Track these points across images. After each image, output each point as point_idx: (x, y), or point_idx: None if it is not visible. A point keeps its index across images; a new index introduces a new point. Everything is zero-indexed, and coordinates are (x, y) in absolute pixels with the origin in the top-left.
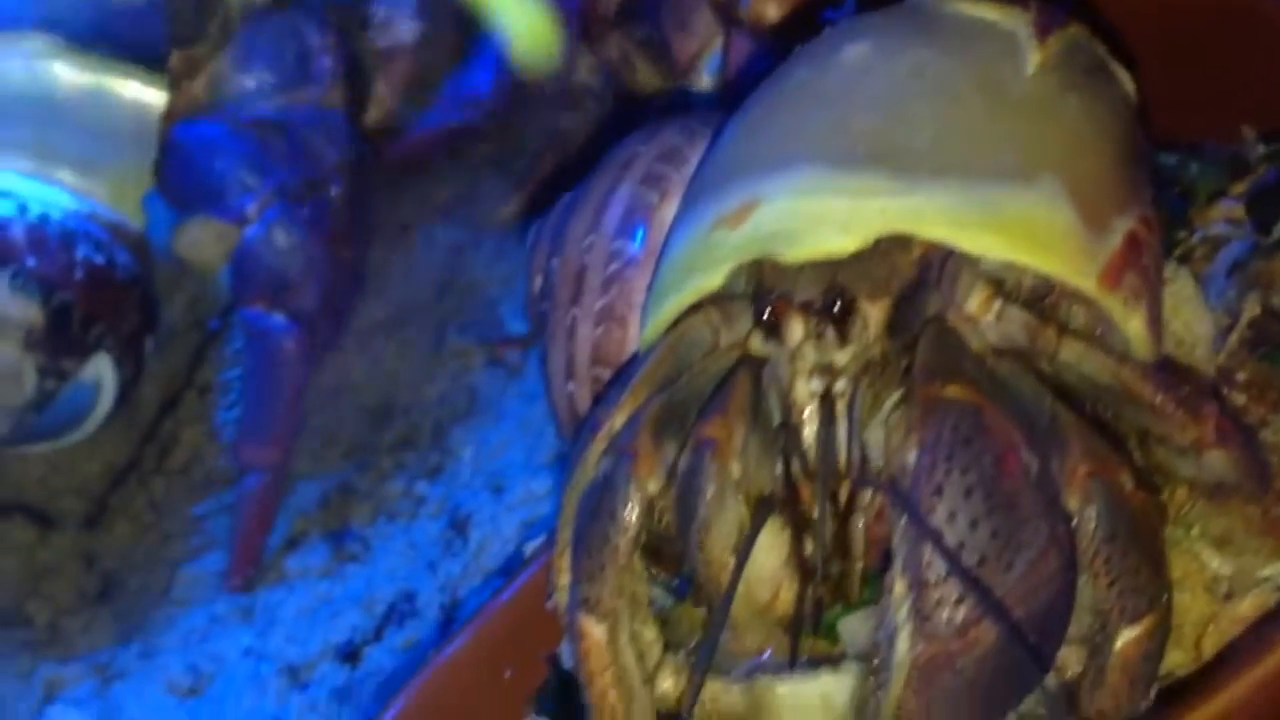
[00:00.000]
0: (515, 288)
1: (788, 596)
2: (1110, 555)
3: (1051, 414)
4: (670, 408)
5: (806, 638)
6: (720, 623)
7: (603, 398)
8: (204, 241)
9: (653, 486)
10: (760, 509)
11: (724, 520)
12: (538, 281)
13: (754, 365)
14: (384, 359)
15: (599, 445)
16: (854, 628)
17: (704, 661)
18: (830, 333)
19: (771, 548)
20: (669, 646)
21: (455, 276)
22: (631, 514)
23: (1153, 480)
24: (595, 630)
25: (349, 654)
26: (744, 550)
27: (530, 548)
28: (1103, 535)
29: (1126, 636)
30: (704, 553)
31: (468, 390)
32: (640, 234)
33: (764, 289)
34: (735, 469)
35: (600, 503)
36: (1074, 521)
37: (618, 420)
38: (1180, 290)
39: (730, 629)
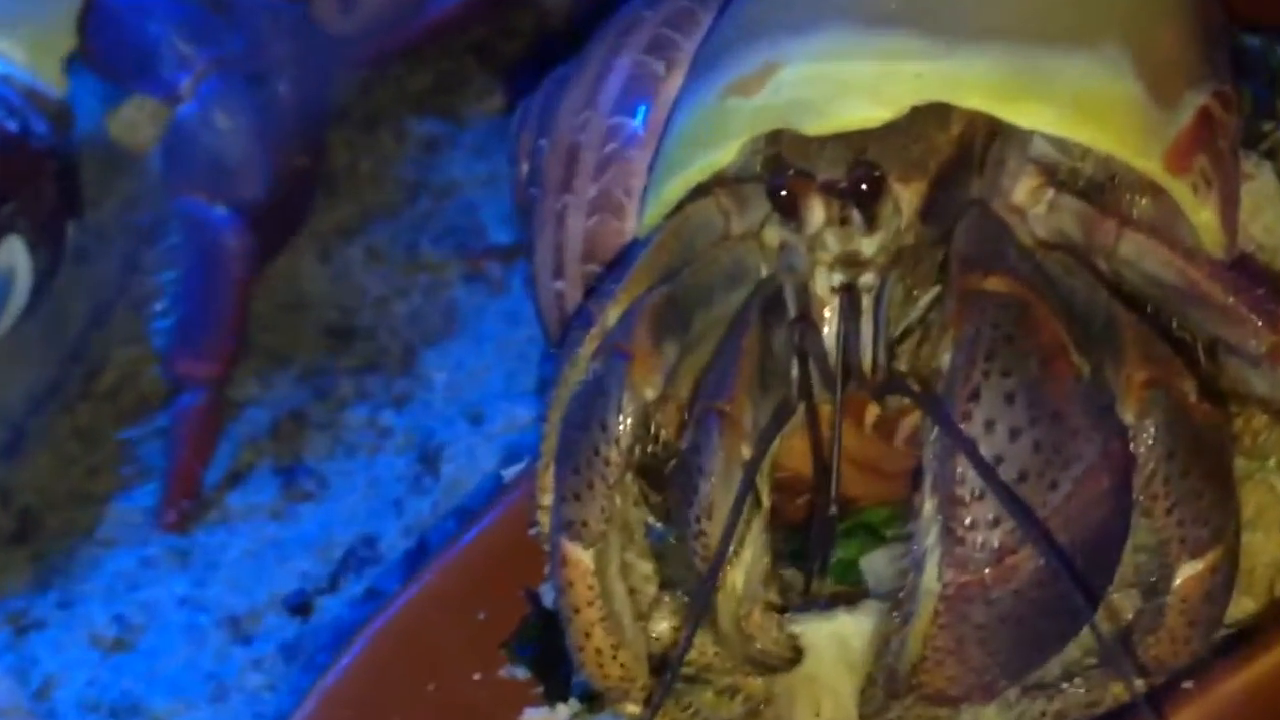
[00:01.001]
0: (499, 189)
1: (762, 621)
2: (1170, 476)
3: (1107, 314)
4: (673, 302)
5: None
6: (710, 597)
7: (596, 289)
8: (139, 124)
9: (650, 392)
10: (776, 417)
11: (724, 498)
12: (524, 166)
13: (771, 292)
14: (346, 270)
15: (590, 343)
16: (878, 566)
17: (690, 632)
18: (856, 217)
19: (760, 556)
20: (666, 584)
21: (430, 176)
22: (624, 423)
23: (1221, 395)
24: (580, 557)
25: (299, 605)
26: (738, 501)
27: (510, 473)
28: (1162, 452)
29: (1187, 572)
30: (700, 540)
31: (443, 307)
32: (643, 110)
33: (781, 166)
34: (745, 450)
35: (589, 409)
36: (1130, 436)
37: (612, 314)
38: (1262, 189)
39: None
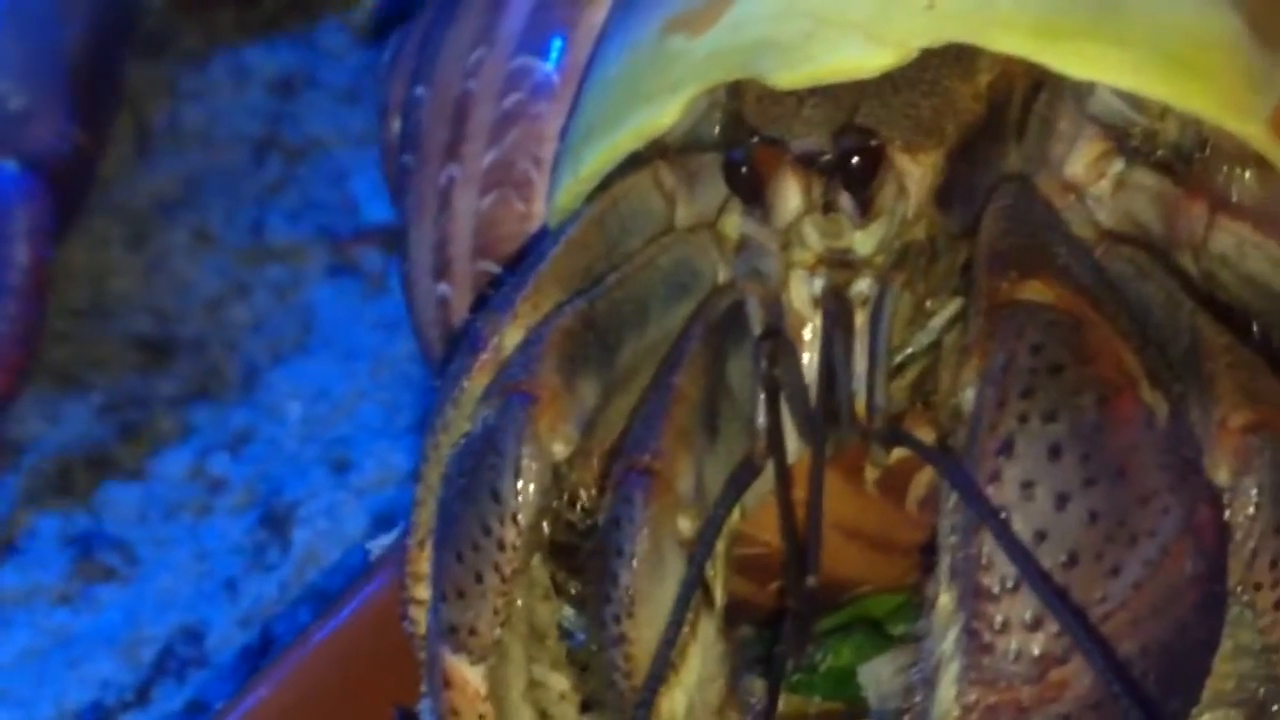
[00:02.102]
0: (376, 148)
1: None
2: (1279, 557)
3: (1194, 333)
4: (592, 323)
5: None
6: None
7: (490, 298)
8: None
9: (560, 448)
10: (735, 479)
11: (656, 591)
12: (395, 123)
13: (727, 305)
14: (165, 260)
15: (479, 375)
16: (882, 675)
17: None
18: (846, 202)
19: (713, 674)
20: (593, 703)
21: (281, 130)
22: (525, 492)
23: None
24: (468, 676)
25: None
26: (681, 601)
27: (380, 546)
28: (1270, 523)
29: None
30: (620, 650)
31: (299, 311)
32: (557, 47)
33: (742, 132)
34: (683, 523)
35: (477, 472)
36: (1225, 500)
37: (510, 336)
38: None
39: None
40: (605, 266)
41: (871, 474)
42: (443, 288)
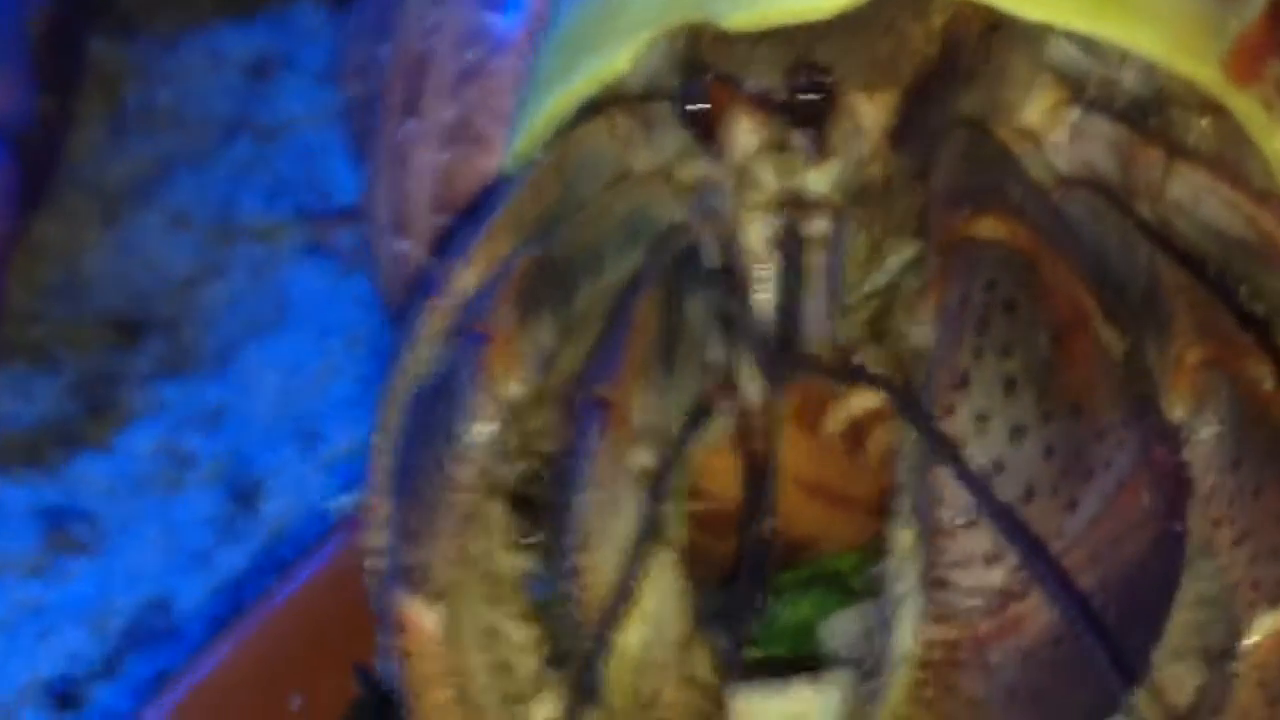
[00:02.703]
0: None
1: (678, 699)
2: (1237, 493)
3: (1150, 273)
4: (549, 266)
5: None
6: (597, 666)
7: (447, 245)
8: None
9: (515, 388)
10: (692, 417)
11: (612, 524)
12: (356, 84)
13: (683, 245)
14: (139, 239)
15: (436, 318)
16: (845, 628)
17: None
18: (800, 140)
19: (672, 612)
20: (557, 658)
21: (254, 112)
22: (479, 431)
23: None
24: (423, 618)
25: (65, 695)
26: (636, 547)
27: (342, 505)
28: (1225, 459)
29: (1265, 628)
30: (577, 581)
31: (272, 290)
32: (515, 2)
33: (696, 72)
34: (640, 454)
35: (433, 413)
36: (1181, 437)
37: (466, 279)
38: None
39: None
40: (562, 212)
41: (831, 424)
42: (403, 244)
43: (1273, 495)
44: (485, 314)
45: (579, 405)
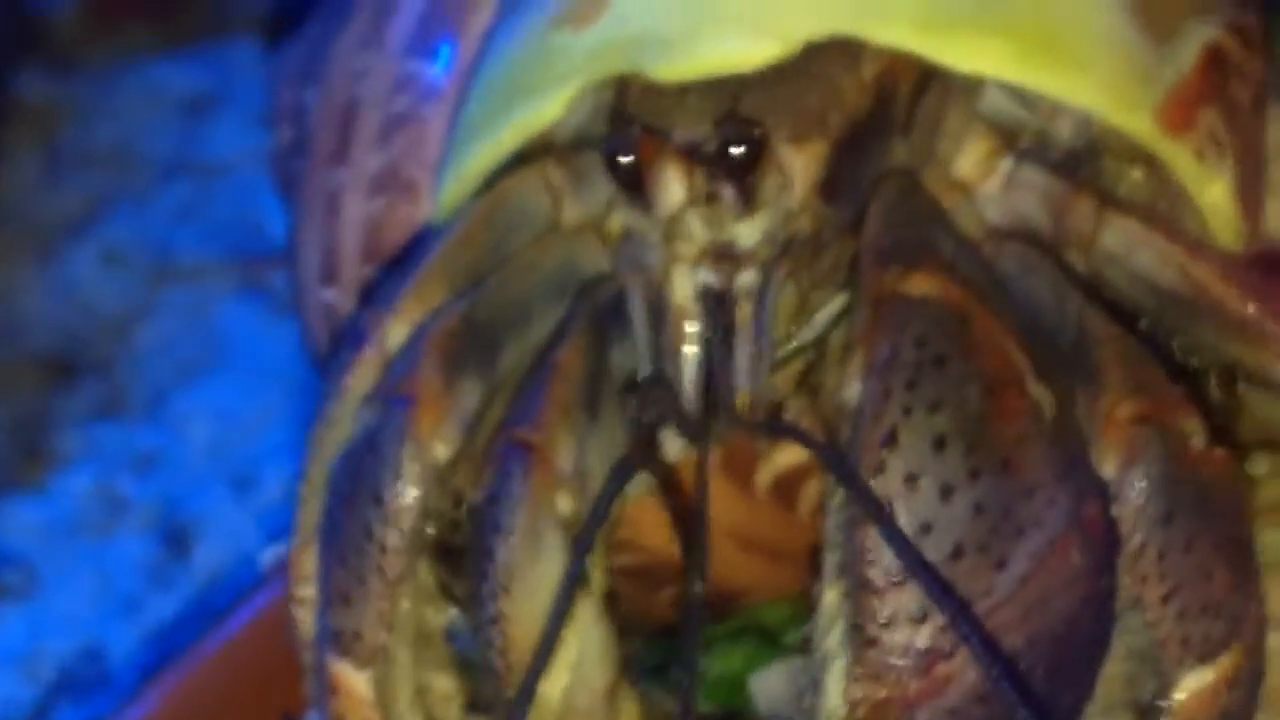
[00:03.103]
0: None
1: None
2: (1166, 550)
3: (1080, 326)
4: (473, 325)
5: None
6: (520, 715)
7: (374, 294)
8: None
9: (442, 449)
10: (617, 470)
11: (535, 570)
12: (286, 131)
13: (608, 295)
14: (73, 280)
15: (362, 371)
16: (772, 685)
17: None
18: (728, 193)
19: (597, 661)
20: (479, 706)
21: (190, 150)
22: (407, 496)
23: (1237, 440)
24: (354, 682)
25: None
26: (561, 599)
27: (272, 556)
28: (1155, 515)
29: (1192, 685)
30: (496, 628)
31: (207, 332)
32: (445, 52)
33: (624, 123)
34: (562, 501)
35: (359, 476)
36: (1112, 492)
37: (393, 333)
38: None
39: None
40: (490, 264)
41: (763, 481)
42: (330, 293)
43: (1202, 552)
44: (410, 375)
45: (501, 449)
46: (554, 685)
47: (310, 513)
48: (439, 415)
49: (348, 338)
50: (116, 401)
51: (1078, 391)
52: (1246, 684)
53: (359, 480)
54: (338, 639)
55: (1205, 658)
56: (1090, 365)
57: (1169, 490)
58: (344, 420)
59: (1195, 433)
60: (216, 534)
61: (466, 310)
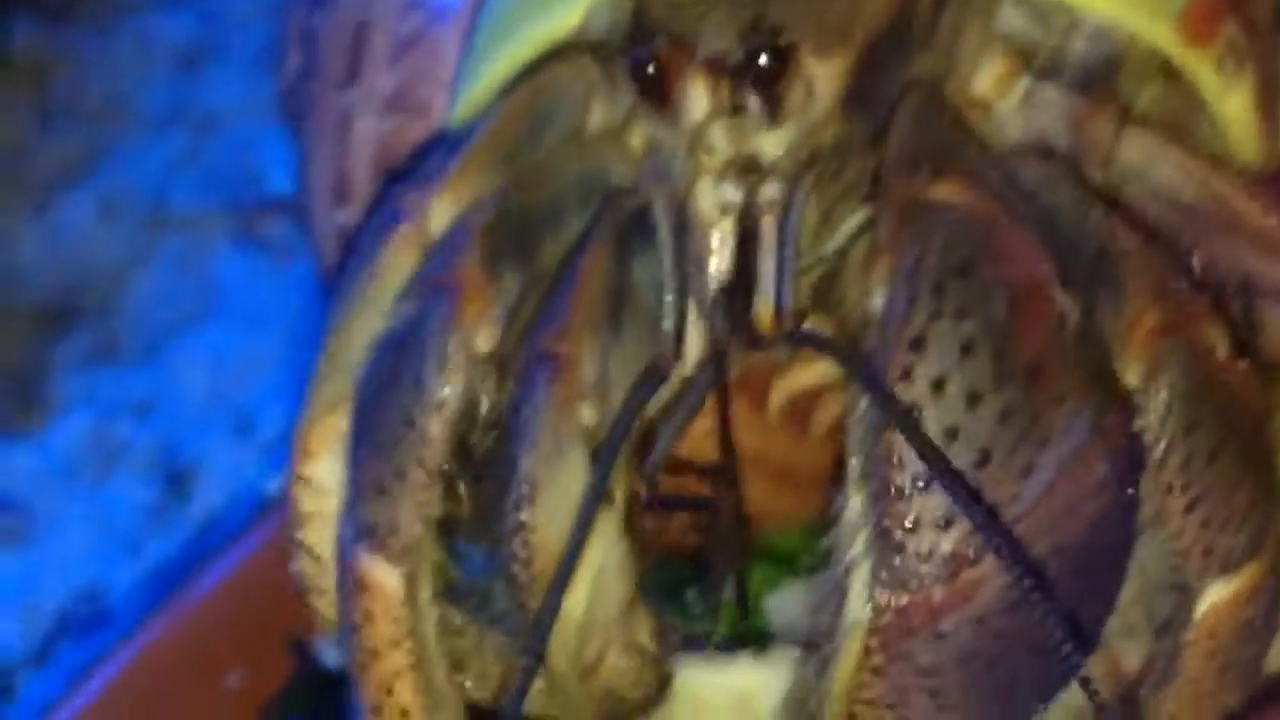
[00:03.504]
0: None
1: (620, 664)
2: (1190, 460)
3: (1103, 238)
4: (512, 219)
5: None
6: (544, 626)
7: (409, 172)
8: None
9: (484, 342)
10: (642, 382)
11: (558, 480)
12: (294, 56)
13: (633, 207)
14: (70, 229)
15: (404, 245)
16: (790, 606)
17: (519, 696)
18: (754, 104)
19: (616, 575)
20: (494, 620)
21: (185, 101)
22: (451, 384)
23: (1260, 353)
24: (386, 578)
25: None
26: (584, 512)
27: (276, 487)
28: (1179, 426)
29: (1215, 596)
30: (520, 538)
31: (202, 280)
32: None
33: (647, 33)
34: (586, 411)
35: (400, 365)
36: (1136, 404)
37: (437, 211)
38: None
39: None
40: (530, 154)
41: (776, 402)
42: (343, 213)
43: (1226, 462)
44: (454, 267)
45: (526, 359)
46: (575, 598)
47: (326, 387)
48: (483, 306)
49: (379, 217)
50: (113, 348)
51: (1101, 302)
52: (1268, 598)
53: (399, 370)
54: (372, 533)
55: (1227, 569)
56: (1114, 276)
57: (1193, 399)
58: (376, 293)
59: (1219, 343)
60: (215, 476)
61: (504, 204)
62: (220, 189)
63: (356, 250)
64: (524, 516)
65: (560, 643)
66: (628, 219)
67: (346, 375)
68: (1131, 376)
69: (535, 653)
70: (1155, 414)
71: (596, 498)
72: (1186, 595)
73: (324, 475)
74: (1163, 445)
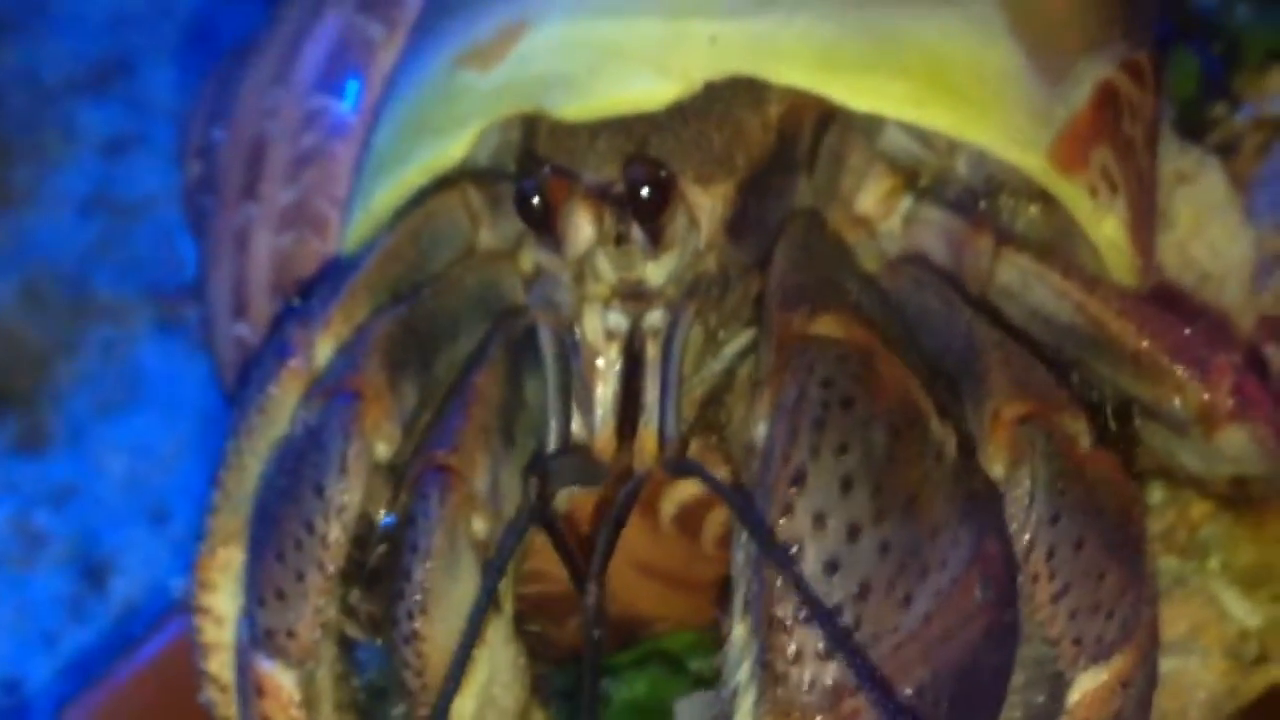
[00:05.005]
0: None
1: None
2: (1055, 548)
3: (968, 335)
4: (411, 329)
5: None
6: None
7: (294, 310)
8: None
9: (383, 447)
10: (513, 526)
11: (450, 592)
12: (195, 167)
13: (522, 329)
14: None
15: (290, 381)
16: (694, 712)
17: None
18: (637, 234)
19: (508, 683)
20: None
21: (110, 189)
22: (350, 489)
23: (1126, 444)
24: (282, 683)
25: None
26: (471, 624)
27: (183, 585)
28: (1043, 514)
29: (1085, 685)
30: (411, 648)
31: (123, 366)
32: (353, 88)
33: (533, 164)
34: (478, 523)
35: (300, 471)
36: (1000, 493)
37: (322, 346)
38: (1207, 195)
39: None
40: (416, 281)
41: (667, 511)
42: (241, 327)
43: (1092, 551)
44: (355, 372)
45: (420, 470)
46: (464, 706)
47: (221, 520)
48: (383, 412)
49: (269, 350)
50: (35, 436)
51: (966, 398)
52: (1141, 687)
53: (299, 475)
54: (269, 638)
55: (1099, 658)
56: (977, 371)
57: (1056, 487)
58: (267, 428)
59: (1081, 433)
60: (133, 567)
61: (404, 316)
62: (142, 275)
63: (249, 382)
64: (416, 625)
65: None
66: (521, 335)
67: (241, 508)
68: (996, 467)
69: None
70: (1019, 503)
71: (483, 607)
72: (1059, 685)
73: (224, 606)
74: (1028, 535)
